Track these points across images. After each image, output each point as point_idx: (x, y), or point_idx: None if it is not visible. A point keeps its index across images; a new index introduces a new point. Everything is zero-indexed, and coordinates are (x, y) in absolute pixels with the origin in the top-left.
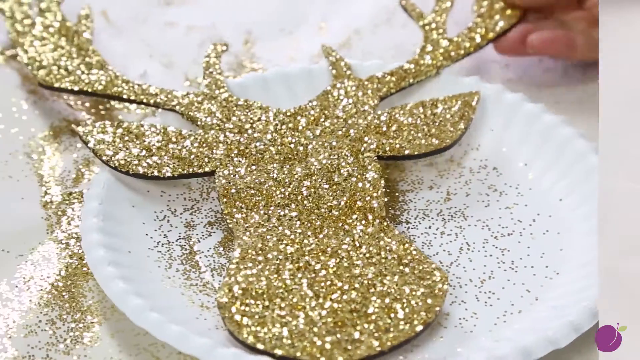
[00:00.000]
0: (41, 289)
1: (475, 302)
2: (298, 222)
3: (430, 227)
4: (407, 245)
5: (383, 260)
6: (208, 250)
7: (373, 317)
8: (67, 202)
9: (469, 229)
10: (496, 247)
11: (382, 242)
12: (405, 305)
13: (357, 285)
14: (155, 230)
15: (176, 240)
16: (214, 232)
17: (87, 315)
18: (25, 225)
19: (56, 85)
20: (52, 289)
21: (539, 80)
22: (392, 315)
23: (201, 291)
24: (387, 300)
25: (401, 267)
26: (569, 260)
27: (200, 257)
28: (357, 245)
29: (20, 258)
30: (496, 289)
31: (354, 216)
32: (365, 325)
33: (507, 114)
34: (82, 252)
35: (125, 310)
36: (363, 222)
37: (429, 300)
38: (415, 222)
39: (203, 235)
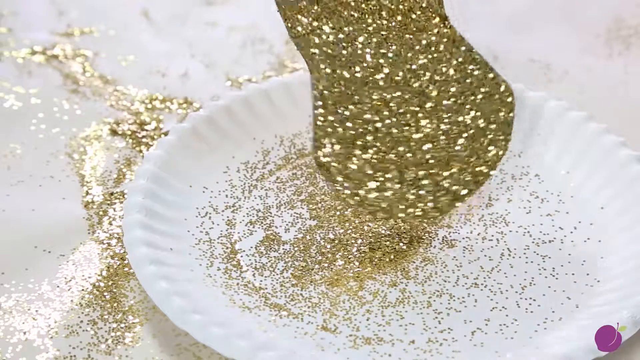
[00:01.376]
0: (82, 289)
1: (515, 308)
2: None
3: (471, 232)
4: None
5: None
6: (249, 249)
7: None
8: (108, 202)
9: (510, 235)
10: (537, 254)
11: None
12: None
13: None
14: (197, 227)
15: (217, 238)
16: (255, 231)
17: (129, 315)
18: (67, 226)
19: None
20: (93, 289)
21: (581, 85)
22: None
23: (242, 291)
24: None
25: None
26: (610, 268)
27: (241, 256)
28: None
29: (62, 258)
30: (537, 296)
31: None
32: None
33: (551, 122)
34: (124, 252)
35: (167, 311)
36: None
37: None
38: (456, 227)
39: (244, 234)
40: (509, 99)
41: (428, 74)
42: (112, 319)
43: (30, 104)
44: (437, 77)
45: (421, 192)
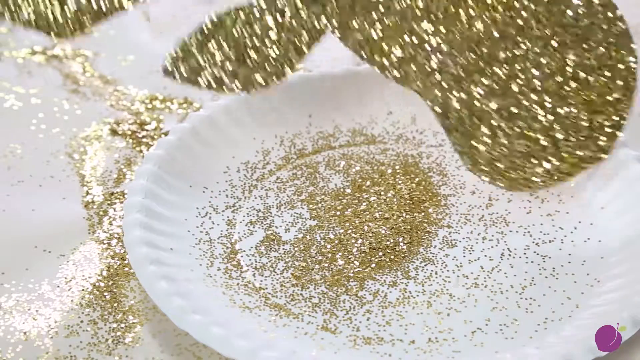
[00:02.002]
0: (83, 289)
1: (516, 308)
2: None
3: (472, 232)
4: None
5: None
6: (249, 249)
7: None
8: (108, 202)
9: (510, 235)
10: (537, 254)
11: None
12: None
13: None
14: (197, 227)
15: (218, 238)
16: (256, 231)
17: (129, 315)
18: (67, 226)
19: None
20: (93, 289)
21: None
22: None
23: (242, 291)
24: None
25: None
26: (610, 268)
27: (241, 256)
28: None
29: (62, 258)
30: (537, 296)
31: None
32: None
33: None
34: (124, 252)
35: (167, 312)
36: None
37: None
38: (457, 227)
39: (245, 234)
40: (611, 13)
41: (528, 43)
42: (113, 319)
43: (30, 104)
44: (538, 33)
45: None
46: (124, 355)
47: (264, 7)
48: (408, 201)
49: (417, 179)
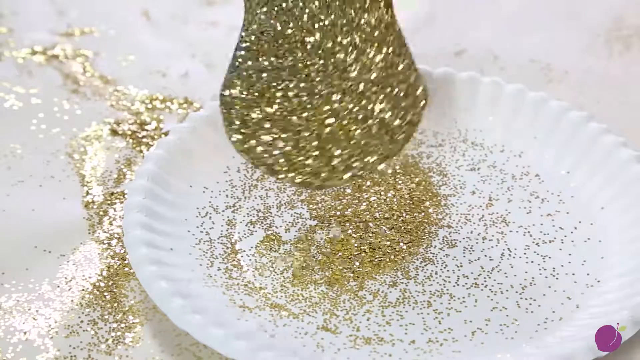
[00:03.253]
0: (83, 289)
1: (516, 308)
2: None
3: (472, 232)
4: None
5: None
6: (250, 249)
7: None
8: (108, 202)
9: (511, 235)
10: (537, 254)
11: None
12: None
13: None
14: (197, 227)
15: (218, 238)
16: (256, 231)
17: (129, 315)
18: (67, 225)
19: None
20: (93, 289)
21: (581, 85)
22: None
23: (243, 291)
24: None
25: None
26: (611, 268)
27: (242, 256)
28: None
29: (62, 258)
30: (537, 296)
31: None
32: None
33: (551, 122)
34: (124, 252)
35: (167, 312)
36: None
37: None
38: (457, 227)
39: (245, 234)
40: (422, 103)
41: (355, 52)
42: (113, 319)
43: (30, 104)
44: (363, 59)
45: (316, 161)
46: (124, 355)
47: None
48: (408, 201)
49: (417, 179)
